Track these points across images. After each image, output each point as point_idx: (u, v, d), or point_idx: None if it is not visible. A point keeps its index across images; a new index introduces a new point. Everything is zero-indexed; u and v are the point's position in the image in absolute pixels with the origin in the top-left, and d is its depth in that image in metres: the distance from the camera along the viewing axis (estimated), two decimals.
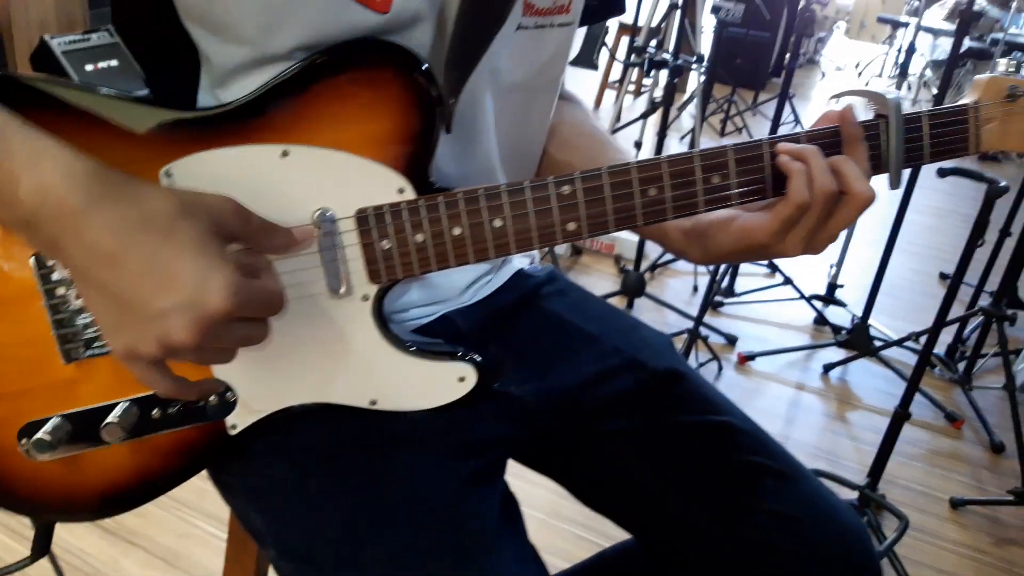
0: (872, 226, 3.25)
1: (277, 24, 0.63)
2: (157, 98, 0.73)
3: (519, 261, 0.91)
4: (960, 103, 0.71)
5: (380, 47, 0.64)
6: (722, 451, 0.84)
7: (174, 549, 1.60)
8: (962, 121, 0.71)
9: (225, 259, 0.56)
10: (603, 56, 2.20)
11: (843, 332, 2.60)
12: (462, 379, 0.71)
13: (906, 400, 1.72)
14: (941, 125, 0.71)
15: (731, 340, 2.61)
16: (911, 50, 2.55)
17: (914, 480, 2.09)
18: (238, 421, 0.70)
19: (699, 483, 0.83)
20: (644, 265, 3.00)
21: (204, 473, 0.76)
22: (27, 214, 0.52)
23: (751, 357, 2.53)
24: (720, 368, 2.47)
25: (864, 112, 0.72)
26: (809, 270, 3.08)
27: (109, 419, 0.68)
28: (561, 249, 3.02)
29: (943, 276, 3.23)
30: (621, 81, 2.69)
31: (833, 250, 2.86)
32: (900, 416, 1.74)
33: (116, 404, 0.69)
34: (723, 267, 2.82)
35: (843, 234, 2.79)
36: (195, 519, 1.67)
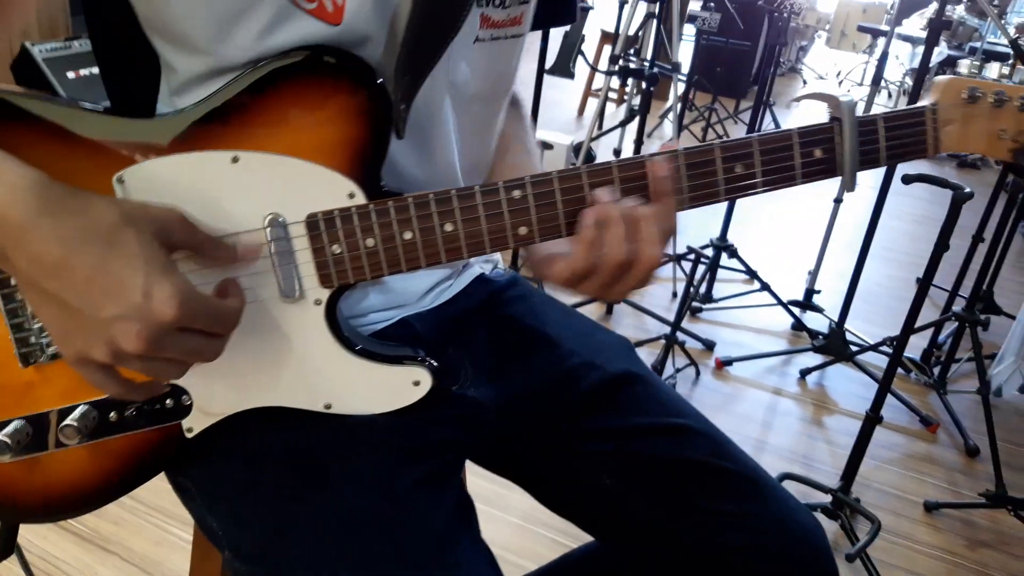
0: (850, 232, 3.29)
1: (229, 34, 0.64)
2: (116, 107, 0.74)
3: (480, 267, 0.92)
4: (918, 105, 0.72)
5: (328, 54, 0.65)
6: (679, 453, 0.85)
7: (150, 556, 1.60)
8: (919, 123, 0.71)
9: (172, 267, 0.57)
10: (580, 64, 2.21)
11: (820, 337, 2.62)
12: (417, 383, 0.72)
13: (877, 403, 1.74)
14: (897, 127, 0.71)
15: (709, 346, 2.63)
16: (883, 58, 2.57)
17: (889, 483, 2.11)
18: (194, 424, 0.71)
19: (656, 485, 0.84)
20: None
21: None
22: None
23: (728, 362, 2.55)
24: (698, 373, 2.49)
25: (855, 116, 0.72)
26: (788, 276, 3.11)
27: (67, 421, 0.68)
28: None
29: (920, 281, 3.25)
30: (604, 90, 2.70)
31: (810, 256, 2.89)
32: (871, 419, 1.75)
33: (75, 407, 0.69)
34: (700, 273, 2.84)
35: (819, 239, 2.83)
36: (171, 526, 1.67)
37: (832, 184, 2.64)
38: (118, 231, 0.55)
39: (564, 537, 1.70)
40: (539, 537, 1.73)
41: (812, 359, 2.61)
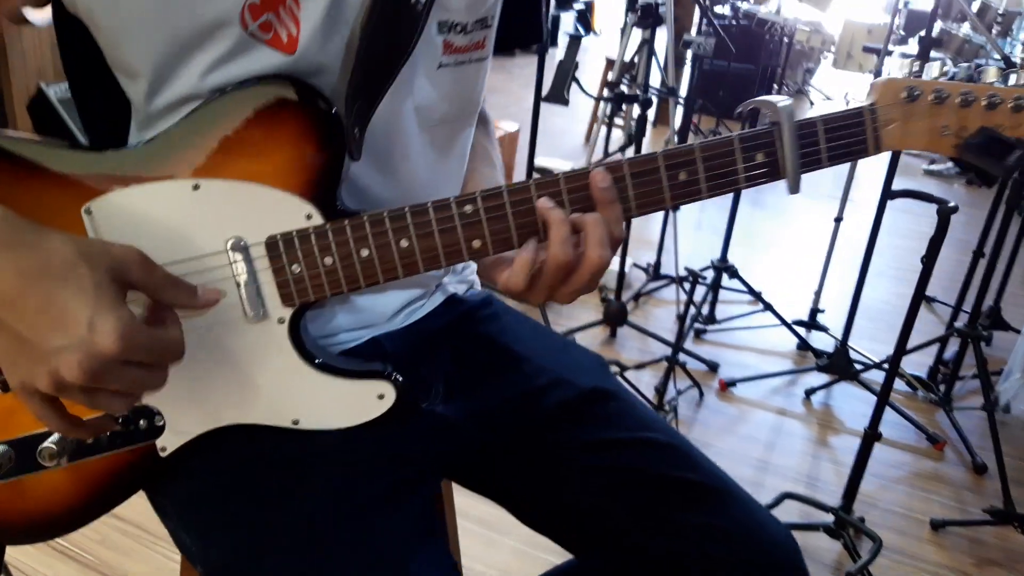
0: (856, 251, 3.27)
1: (187, 66, 0.67)
2: (92, 142, 0.77)
3: (454, 287, 0.94)
4: (856, 106, 0.74)
5: (282, 83, 0.67)
6: (648, 466, 0.86)
7: None
8: (858, 124, 0.72)
9: (120, 303, 0.58)
10: (578, 92, 2.26)
11: (824, 357, 2.61)
12: (381, 396, 0.74)
13: (875, 420, 1.73)
14: (836, 129, 0.72)
15: (712, 367, 2.63)
16: (877, 74, 2.60)
17: (895, 503, 2.08)
18: (167, 444, 0.73)
19: (626, 498, 0.84)
20: (627, 295, 3.03)
21: None
22: None
23: (732, 383, 2.54)
24: (701, 395, 2.48)
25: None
26: (793, 296, 3.10)
27: (46, 444, 0.70)
28: None
29: (928, 299, 3.24)
30: (601, 116, 2.74)
31: (814, 276, 2.89)
32: (870, 436, 1.74)
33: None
34: (702, 294, 2.85)
35: (822, 259, 2.83)
36: (173, 553, 1.68)
37: (832, 204, 2.64)
38: (72, 267, 0.56)
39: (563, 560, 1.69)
40: (539, 562, 1.73)
41: (817, 379, 2.59)
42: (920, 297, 1.62)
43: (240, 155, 0.68)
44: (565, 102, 2.20)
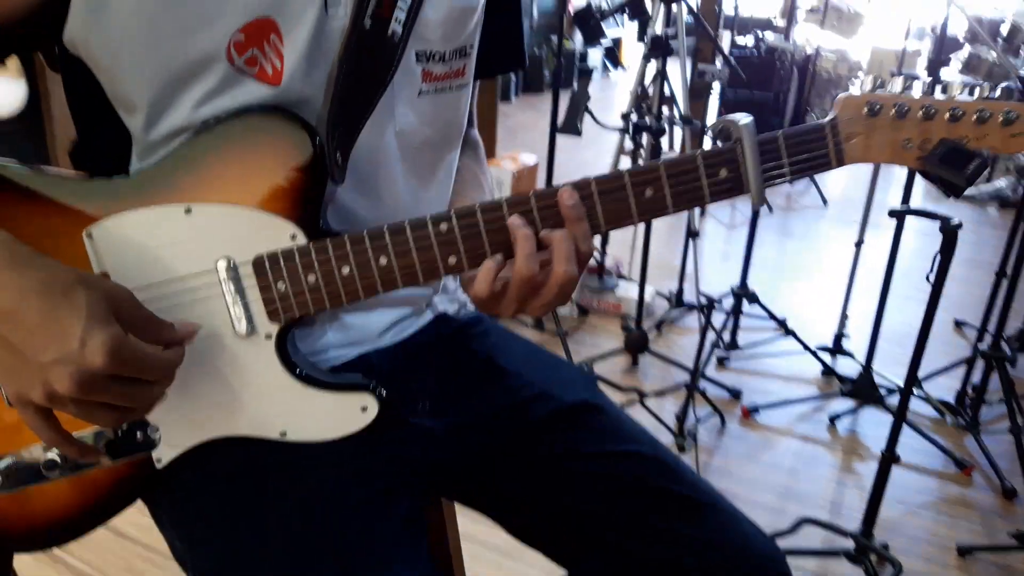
0: (880, 276, 3.23)
1: (180, 100, 0.72)
2: (93, 171, 0.82)
3: (445, 306, 0.98)
4: (817, 122, 0.76)
5: (266, 113, 0.72)
6: (634, 478, 0.87)
7: None
8: (818, 138, 0.75)
9: (111, 321, 0.61)
10: (587, 122, 2.31)
11: (848, 382, 2.58)
12: (364, 409, 0.77)
13: (892, 441, 1.71)
14: (797, 144, 0.74)
15: (735, 394, 2.61)
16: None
17: (921, 529, 2.04)
18: (163, 455, 0.77)
19: (612, 510, 0.86)
20: (650, 323, 3.04)
21: None
22: None
23: (755, 410, 2.53)
24: (723, 422, 2.47)
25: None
26: (817, 322, 3.08)
27: (49, 455, 0.75)
28: (565, 310, 3.07)
29: (958, 324, 3.19)
30: (618, 145, 2.78)
31: (840, 301, 2.86)
32: (887, 459, 1.72)
33: None
34: (721, 321, 2.84)
35: (844, 284, 2.81)
36: None
37: (852, 228, 2.62)
38: (71, 288, 0.61)
39: None
40: None
41: (842, 405, 2.57)
42: (932, 316, 1.62)
43: (229, 180, 0.72)
44: (578, 133, 2.24)
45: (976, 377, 2.51)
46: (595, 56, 8.82)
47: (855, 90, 0.77)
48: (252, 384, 0.76)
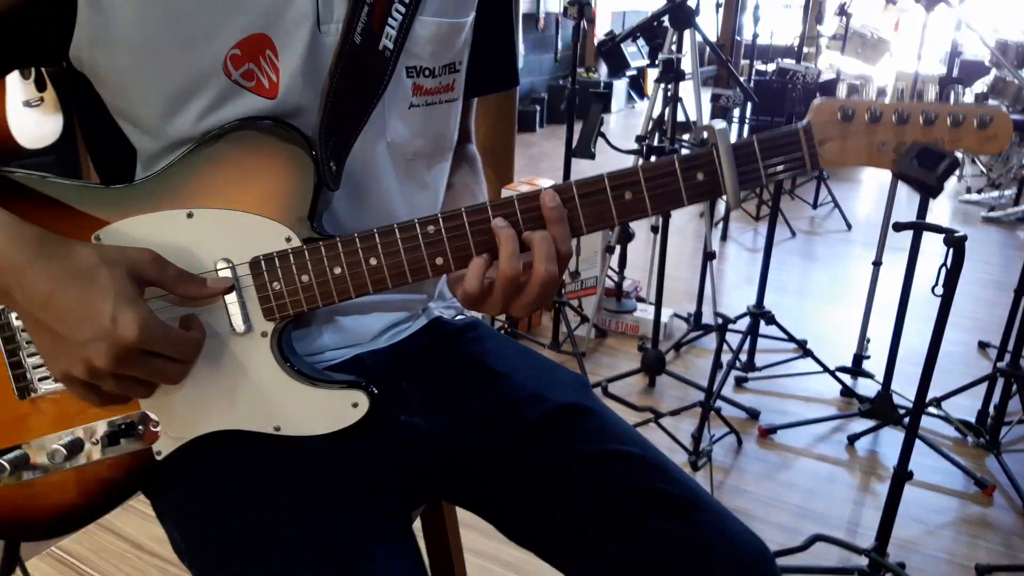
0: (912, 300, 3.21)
1: (180, 113, 0.76)
2: (101, 180, 0.87)
3: (441, 311, 1.01)
4: (791, 127, 0.78)
5: (263, 123, 0.76)
6: (624, 479, 0.89)
7: None
8: (792, 142, 0.77)
9: (138, 299, 0.69)
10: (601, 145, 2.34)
11: (866, 402, 2.56)
12: (355, 404, 0.80)
13: (904, 458, 1.70)
14: (771, 148, 0.77)
15: (753, 414, 2.60)
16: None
17: (939, 548, 2.02)
18: (163, 447, 0.81)
19: (603, 509, 0.87)
20: (668, 345, 3.05)
21: None
22: None
23: (772, 430, 2.51)
24: (740, 442, 2.46)
25: None
26: (837, 342, 3.06)
27: (55, 446, 0.79)
28: (583, 332, 3.09)
29: (982, 345, 3.15)
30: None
31: (858, 323, 2.84)
32: (900, 475, 1.71)
33: (64, 434, 0.80)
34: (737, 341, 2.83)
35: (860, 303, 2.79)
36: None
37: (869, 250, 2.60)
38: (96, 270, 0.68)
39: None
40: None
41: (861, 425, 2.54)
42: (941, 330, 1.61)
43: (229, 187, 0.77)
44: (592, 156, 2.28)
45: (998, 397, 2.48)
46: (620, 86, 8.92)
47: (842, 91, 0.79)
48: (248, 380, 0.80)
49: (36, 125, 3.25)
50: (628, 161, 3.13)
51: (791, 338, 2.81)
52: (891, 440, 2.51)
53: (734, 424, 2.50)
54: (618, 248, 3.10)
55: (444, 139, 0.92)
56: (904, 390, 2.60)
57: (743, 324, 2.86)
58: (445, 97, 0.89)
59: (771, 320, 2.73)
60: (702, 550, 0.86)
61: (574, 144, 2.45)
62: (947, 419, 2.53)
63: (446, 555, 1.20)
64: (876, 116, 0.78)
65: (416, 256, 0.77)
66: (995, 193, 5.41)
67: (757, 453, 2.45)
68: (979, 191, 5.51)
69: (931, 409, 2.46)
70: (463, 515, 1.05)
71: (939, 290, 1.48)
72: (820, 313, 3.55)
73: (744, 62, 5.50)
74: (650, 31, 2.47)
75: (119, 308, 0.67)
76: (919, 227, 1.59)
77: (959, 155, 0.80)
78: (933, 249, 2.26)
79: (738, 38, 5.67)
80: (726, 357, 2.94)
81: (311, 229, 0.78)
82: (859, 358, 2.85)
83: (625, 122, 8.46)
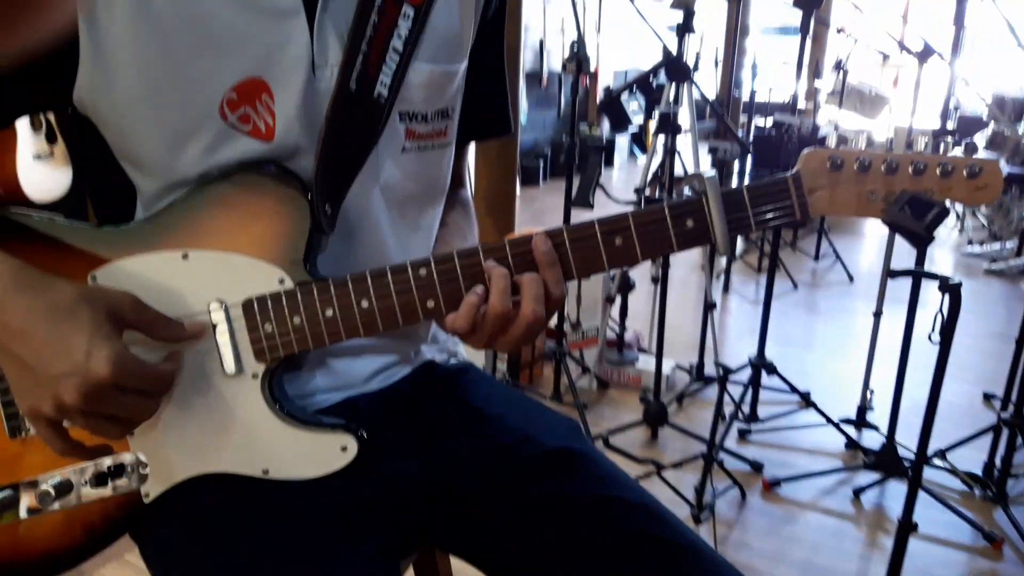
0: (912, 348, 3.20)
1: (178, 155, 0.78)
2: (100, 220, 0.89)
3: (435, 355, 1.01)
4: (779, 176, 0.79)
5: (262, 167, 0.78)
6: (616, 523, 0.87)
7: None
8: (781, 191, 0.78)
9: (114, 336, 0.69)
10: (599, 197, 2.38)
11: (871, 454, 2.53)
12: (344, 448, 0.80)
13: (908, 508, 1.67)
14: (760, 196, 0.77)
15: (756, 467, 2.57)
16: None
17: None
18: (151, 490, 0.80)
19: (594, 554, 0.86)
20: (670, 396, 3.02)
21: None
22: None
23: (776, 483, 2.48)
24: (744, 495, 2.43)
25: None
26: (843, 394, 3.04)
27: (44, 487, 0.79)
28: (584, 383, 3.07)
29: (987, 397, 3.12)
30: None
31: (861, 374, 2.83)
32: (905, 526, 1.68)
33: (53, 475, 0.79)
34: (740, 393, 2.81)
35: (863, 355, 2.78)
36: None
37: (871, 302, 2.59)
38: (74, 307, 0.68)
39: None
40: None
41: (867, 478, 2.51)
42: (941, 377, 1.61)
43: (225, 229, 0.78)
44: (590, 206, 2.30)
45: (1003, 448, 2.44)
46: (623, 142, 9.05)
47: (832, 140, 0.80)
48: (238, 422, 0.79)
49: (45, 178, 3.29)
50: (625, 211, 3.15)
51: (794, 389, 2.79)
52: (897, 493, 2.47)
53: (738, 477, 2.47)
54: (619, 298, 3.10)
55: (437, 183, 0.94)
56: (909, 442, 2.56)
57: (745, 375, 2.85)
58: (438, 142, 0.91)
59: (772, 370, 2.72)
60: None
61: (573, 195, 2.48)
62: (953, 471, 2.49)
63: None
64: (865, 165, 0.79)
65: (408, 299, 0.78)
66: (996, 245, 5.42)
67: (761, 507, 2.41)
68: (981, 243, 5.53)
69: (937, 461, 2.43)
70: (457, 564, 1.03)
71: (936, 337, 1.47)
72: (823, 365, 3.53)
73: (743, 117, 5.59)
74: (647, 85, 2.51)
75: (94, 344, 0.67)
76: (915, 275, 1.59)
77: (949, 205, 0.81)
78: (935, 299, 2.26)
79: (736, 94, 5.75)
80: (729, 409, 2.92)
81: (305, 271, 0.78)
82: (863, 410, 2.82)
83: (627, 176, 8.56)
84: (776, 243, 2.88)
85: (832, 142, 5.81)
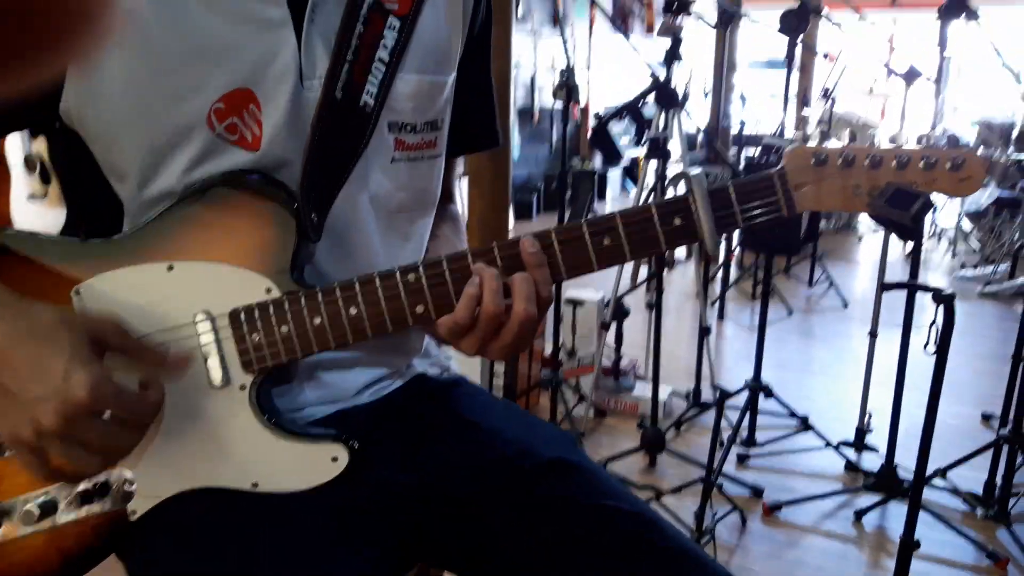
0: (911, 368, 3.19)
1: (165, 164, 0.78)
2: (85, 235, 0.88)
3: (427, 369, 1.00)
4: (765, 172, 0.79)
5: (248, 177, 0.78)
6: (613, 530, 0.86)
7: None
8: (768, 188, 0.78)
9: (94, 360, 0.67)
10: None
11: (871, 476, 2.51)
12: (335, 459, 0.78)
13: (909, 527, 1.65)
14: (747, 193, 0.77)
15: (756, 491, 2.54)
16: (934, 208, 2.64)
17: None
18: (137, 507, 0.79)
19: (591, 564, 0.85)
20: (668, 423, 3.00)
21: None
22: None
23: (777, 507, 2.45)
24: (744, 520, 2.40)
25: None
26: (841, 417, 3.02)
27: (27, 507, 0.77)
28: (581, 411, 3.05)
29: (986, 417, 3.11)
30: None
31: (859, 397, 2.81)
32: (907, 546, 1.66)
33: (37, 494, 0.78)
34: (737, 418, 2.80)
35: (860, 378, 2.77)
36: None
37: (866, 326, 2.57)
38: (54, 330, 0.67)
39: None
40: None
41: (868, 500, 2.48)
42: (938, 391, 1.60)
43: (210, 240, 0.77)
44: None
45: (1003, 467, 2.43)
46: (615, 176, 9.11)
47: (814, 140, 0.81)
48: (226, 435, 0.78)
49: (39, 219, 3.30)
50: None
51: (792, 413, 2.77)
52: (899, 514, 2.44)
53: (738, 502, 2.44)
54: (614, 325, 3.10)
55: (427, 194, 0.94)
56: (909, 463, 2.54)
57: (742, 399, 2.83)
58: (428, 154, 0.91)
59: (770, 394, 2.70)
60: None
61: (566, 220, 2.49)
62: (954, 491, 2.47)
63: None
64: (849, 160, 0.79)
65: (396, 305, 0.77)
66: (989, 268, 5.44)
67: (762, 531, 2.38)
68: (974, 266, 5.55)
69: (937, 481, 2.41)
70: None
71: (931, 348, 1.47)
72: (820, 388, 3.52)
73: (733, 149, 5.66)
74: (636, 111, 2.54)
75: (73, 367, 0.65)
76: (909, 287, 1.59)
77: (941, 230, 0.81)
78: (929, 318, 2.26)
79: (724, 124, 5.82)
80: (727, 433, 2.90)
81: (292, 281, 0.78)
82: (861, 431, 2.80)
83: (619, 208, 8.58)
84: (769, 268, 2.89)
85: None
